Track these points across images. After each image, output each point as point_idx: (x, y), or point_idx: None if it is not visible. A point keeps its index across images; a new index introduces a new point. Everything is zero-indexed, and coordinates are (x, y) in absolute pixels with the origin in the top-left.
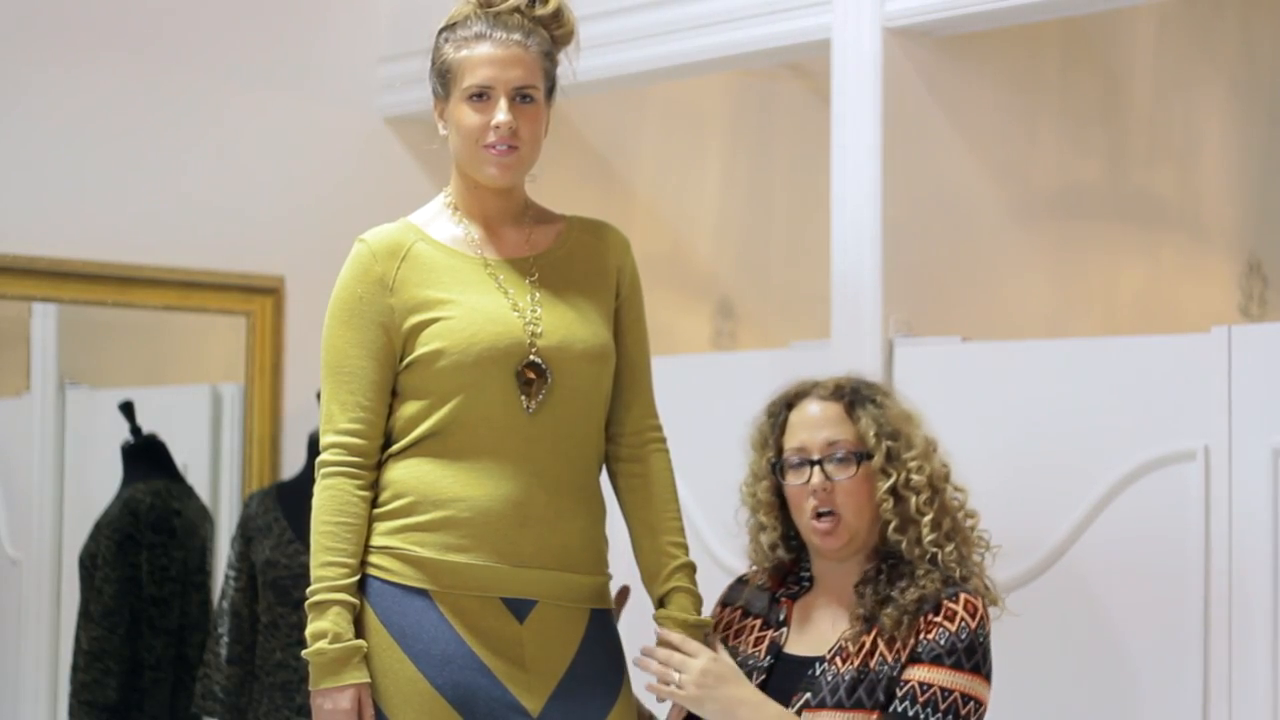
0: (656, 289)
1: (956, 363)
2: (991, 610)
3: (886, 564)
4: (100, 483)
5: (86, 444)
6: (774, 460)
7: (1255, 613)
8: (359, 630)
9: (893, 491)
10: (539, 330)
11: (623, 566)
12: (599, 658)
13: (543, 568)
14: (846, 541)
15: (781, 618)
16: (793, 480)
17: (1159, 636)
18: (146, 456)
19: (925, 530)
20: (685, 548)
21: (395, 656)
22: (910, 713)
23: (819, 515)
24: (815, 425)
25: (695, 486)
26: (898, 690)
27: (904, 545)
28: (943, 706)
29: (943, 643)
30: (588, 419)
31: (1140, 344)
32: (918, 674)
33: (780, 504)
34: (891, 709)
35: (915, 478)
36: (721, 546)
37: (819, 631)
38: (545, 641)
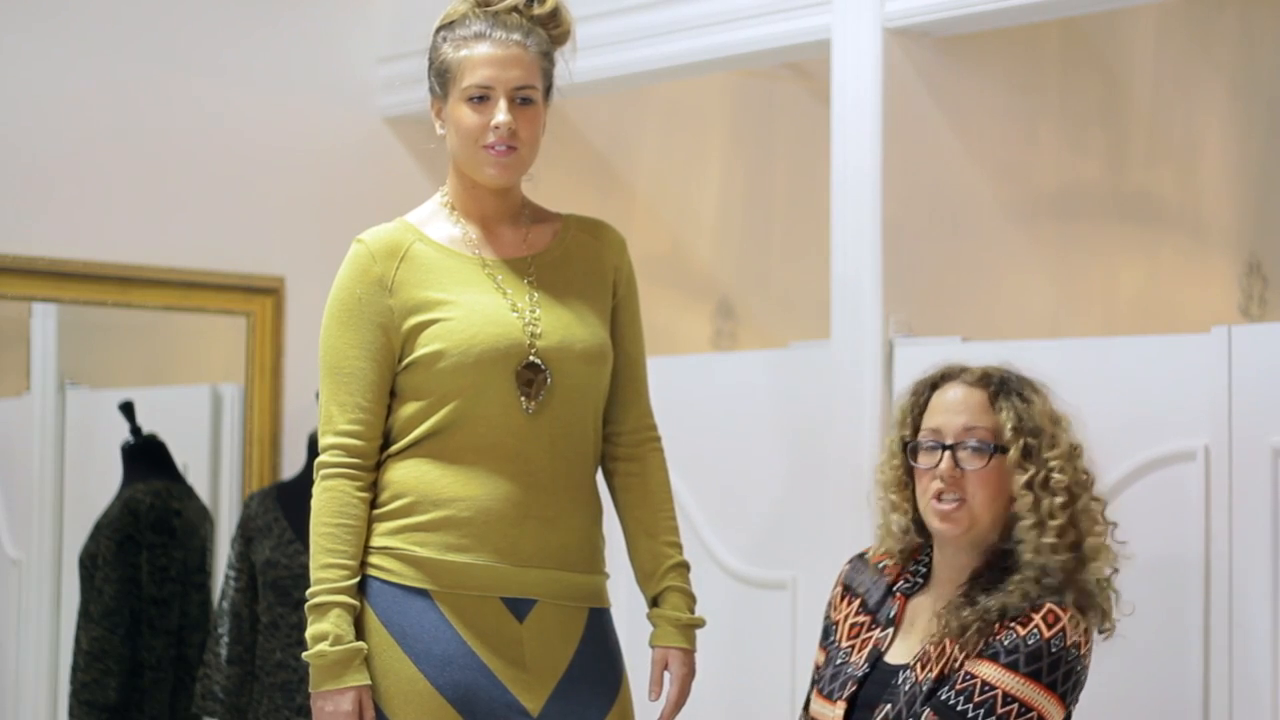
0: (656, 289)
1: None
2: (1099, 635)
3: (991, 568)
4: (100, 483)
5: (86, 444)
6: (908, 439)
7: (1255, 613)
8: (359, 631)
9: (1029, 487)
10: (538, 331)
11: (620, 566)
12: (598, 657)
13: (542, 567)
14: (967, 528)
15: (891, 615)
16: (923, 462)
17: (1159, 636)
18: (146, 456)
19: (1050, 535)
20: (680, 547)
21: (395, 656)
22: (943, 696)
23: (940, 497)
24: (955, 410)
25: (695, 486)
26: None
27: (1024, 546)
28: (977, 698)
29: (1006, 642)
30: (586, 419)
31: (1140, 344)
32: (968, 666)
33: (911, 484)
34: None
35: (1056, 477)
36: (722, 546)
37: (920, 634)
38: (545, 641)
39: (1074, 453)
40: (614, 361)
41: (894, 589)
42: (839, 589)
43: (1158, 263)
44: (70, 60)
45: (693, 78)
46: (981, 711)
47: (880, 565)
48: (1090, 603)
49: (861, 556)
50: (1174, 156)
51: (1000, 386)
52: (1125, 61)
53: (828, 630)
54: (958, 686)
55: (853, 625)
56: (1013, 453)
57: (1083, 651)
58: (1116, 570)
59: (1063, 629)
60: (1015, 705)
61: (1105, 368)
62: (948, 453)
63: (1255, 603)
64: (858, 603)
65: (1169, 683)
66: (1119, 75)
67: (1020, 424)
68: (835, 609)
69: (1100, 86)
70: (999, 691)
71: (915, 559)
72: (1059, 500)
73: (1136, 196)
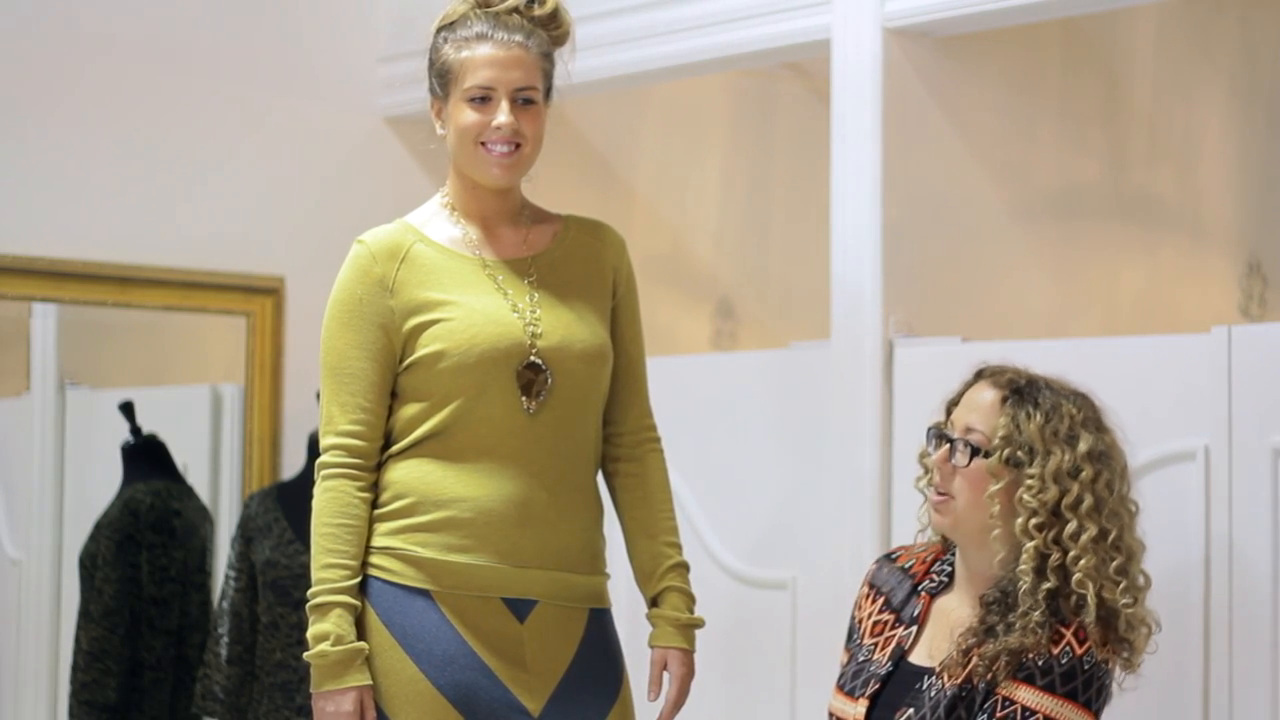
0: (656, 289)
1: (956, 363)
2: (1119, 670)
3: (1006, 594)
4: (100, 483)
5: (86, 444)
6: (931, 426)
7: (1256, 613)
8: (360, 631)
9: (1002, 498)
10: (539, 331)
11: (620, 566)
12: (598, 658)
13: (543, 568)
14: (952, 526)
15: (915, 614)
16: (930, 449)
17: (1159, 636)
18: (146, 456)
19: (1025, 556)
20: (679, 547)
21: (397, 657)
22: None
23: (937, 488)
24: (969, 406)
25: (695, 486)
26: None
27: (1009, 564)
28: None
29: (1040, 663)
30: (586, 419)
31: (1140, 344)
32: (1005, 689)
33: None
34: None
35: (1026, 496)
36: (722, 546)
37: (944, 637)
38: (545, 641)
39: (1072, 474)
40: (614, 361)
41: (919, 588)
42: (865, 587)
43: (1158, 263)
44: (69, 60)
45: (693, 78)
46: None
47: (906, 565)
48: (1107, 634)
49: (889, 557)
50: (1174, 156)
51: (1017, 394)
52: (1125, 61)
53: (852, 630)
54: (998, 715)
55: (876, 623)
56: (993, 460)
57: (1111, 665)
58: (1133, 602)
59: (1092, 646)
60: None
61: (1105, 368)
62: (947, 446)
63: (1255, 603)
64: (881, 600)
65: (1169, 682)
66: (1119, 75)
67: (1013, 432)
68: (860, 608)
69: (1100, 86)
70: (1039, 715)
71: (940, 559)
72: (1034, 521)
73: (1136, 196)
